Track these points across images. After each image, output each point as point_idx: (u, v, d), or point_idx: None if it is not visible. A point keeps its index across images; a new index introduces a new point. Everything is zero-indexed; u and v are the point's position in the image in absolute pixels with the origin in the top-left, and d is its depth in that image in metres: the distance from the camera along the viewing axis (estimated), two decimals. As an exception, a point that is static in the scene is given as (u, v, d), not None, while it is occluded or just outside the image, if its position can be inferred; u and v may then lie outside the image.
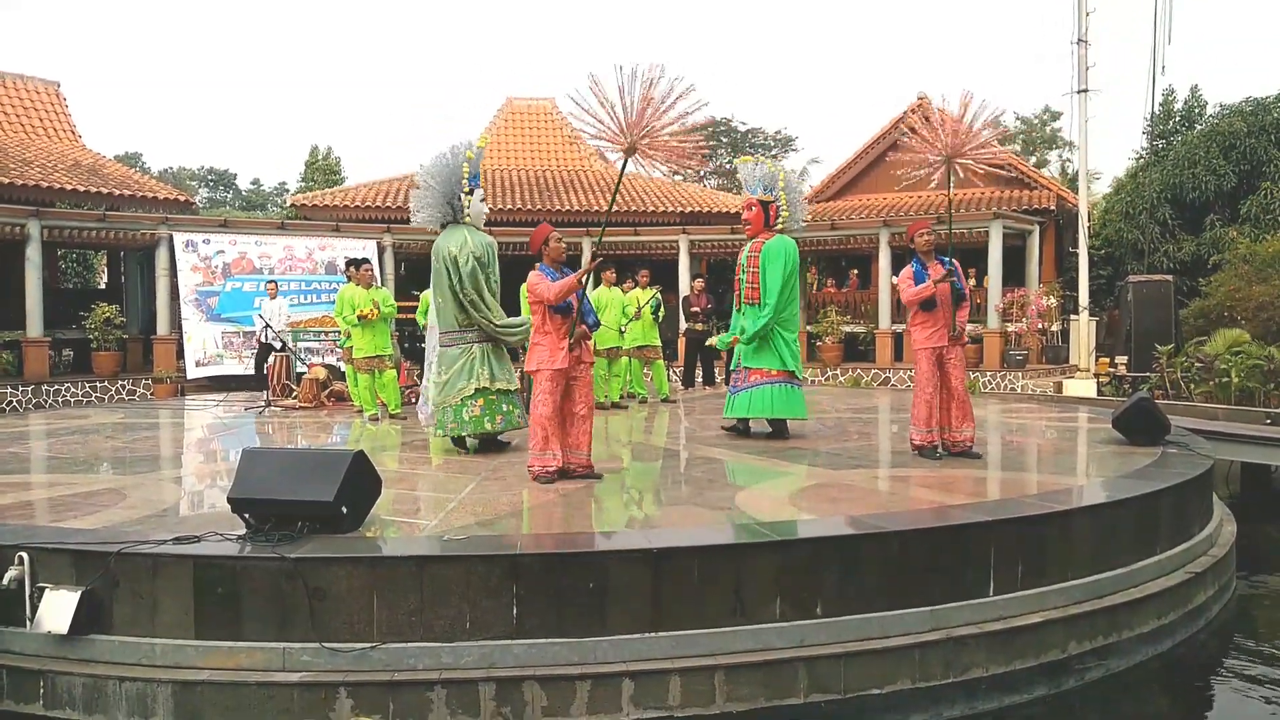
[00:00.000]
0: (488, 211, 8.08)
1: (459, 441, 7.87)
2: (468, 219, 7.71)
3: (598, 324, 6.39)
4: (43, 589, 4.36)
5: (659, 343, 12.22)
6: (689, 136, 6.38)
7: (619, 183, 7.32)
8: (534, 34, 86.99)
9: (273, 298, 14.04)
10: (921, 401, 7.19)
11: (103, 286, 22.11)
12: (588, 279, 6.26)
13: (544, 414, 6.22)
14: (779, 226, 8.27)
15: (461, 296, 7.40)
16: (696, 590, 4.41)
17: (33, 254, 14.52)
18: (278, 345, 12.99)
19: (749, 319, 8.16)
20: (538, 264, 6.40)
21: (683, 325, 15.20)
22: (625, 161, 6.46)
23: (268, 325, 12.70)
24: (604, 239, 6.09)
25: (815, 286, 21.06)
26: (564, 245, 6.47)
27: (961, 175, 7.30)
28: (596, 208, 20.28)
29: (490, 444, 7.88)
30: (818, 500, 5.80)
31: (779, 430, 8.52)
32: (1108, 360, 16.68)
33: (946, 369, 7.12)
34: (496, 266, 7.68)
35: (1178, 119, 23.44)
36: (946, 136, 7.23)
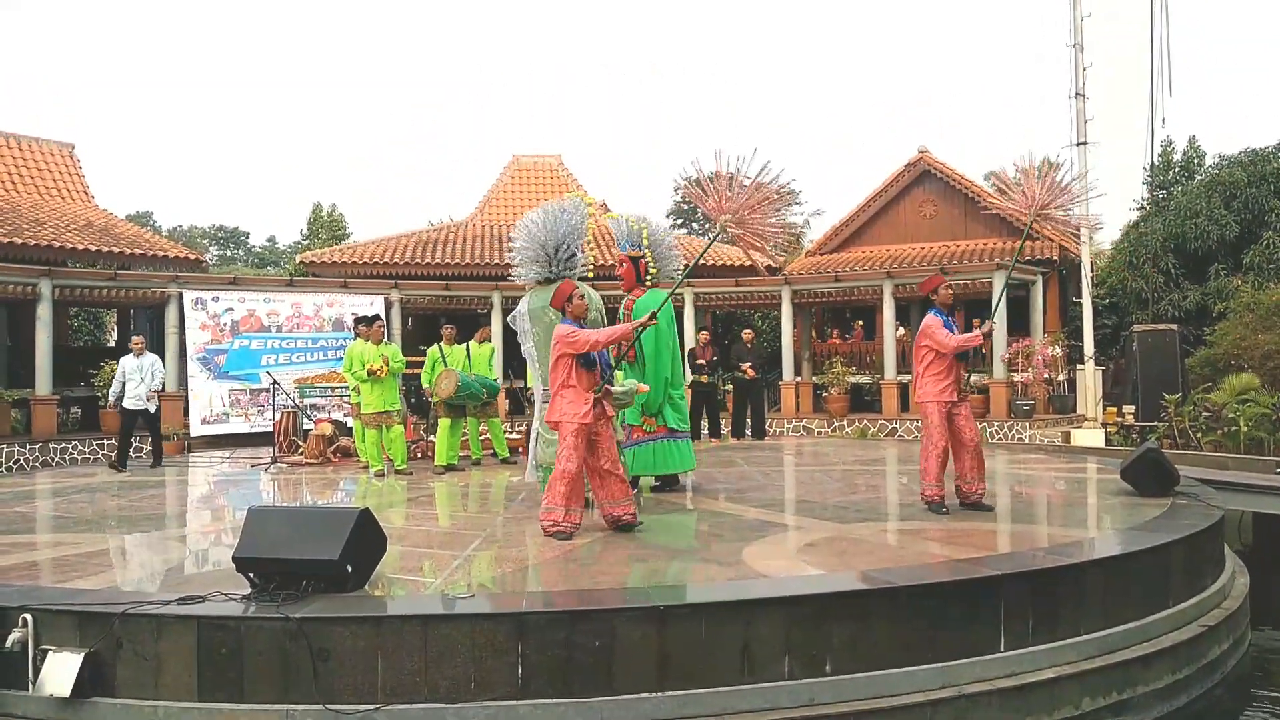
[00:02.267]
0: (577, 269, 8.05)
1: None
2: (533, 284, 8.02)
3: (612, 380, 6.40)
4: (46, 651, 4.34)
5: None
6: (777, 228, 7.13)
7: (704, 250, 7.88)
8: (536, 84, 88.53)
9: (139, 355, 11.71)
10: (932, 455, 7.09)
11: (112, 344, 22.25)
12: (639, 333, 6.37)
13: (569, 469, 6.14)
14: (649, 281, 8.38)
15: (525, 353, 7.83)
16: (703, 648, 4.36)
17: (43, 313, 14.65)
18: (289, 403, 13.03)
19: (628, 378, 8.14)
20: (561, 317, 6.42)
21: (688, 377, 15.20)
22: (715, 235, 7.13)
23: (276, 383, 12.74)
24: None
25: (818, 337, 21.12)
26: (586, 303, 6.49)
27: (1035, 235, 7.72)
28: (601, 261, 20.34)
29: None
30: (826, 554, 5.76)
31: (669, 484, 8.48)
32: (1115, 410, 16.63)
33: (957, 423, 7.07)
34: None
35: (1177, 169, 23.68)
36: (1034, 192, 7.32)
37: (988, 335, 7.24)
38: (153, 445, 12.60)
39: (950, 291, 7.27)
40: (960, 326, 7.27)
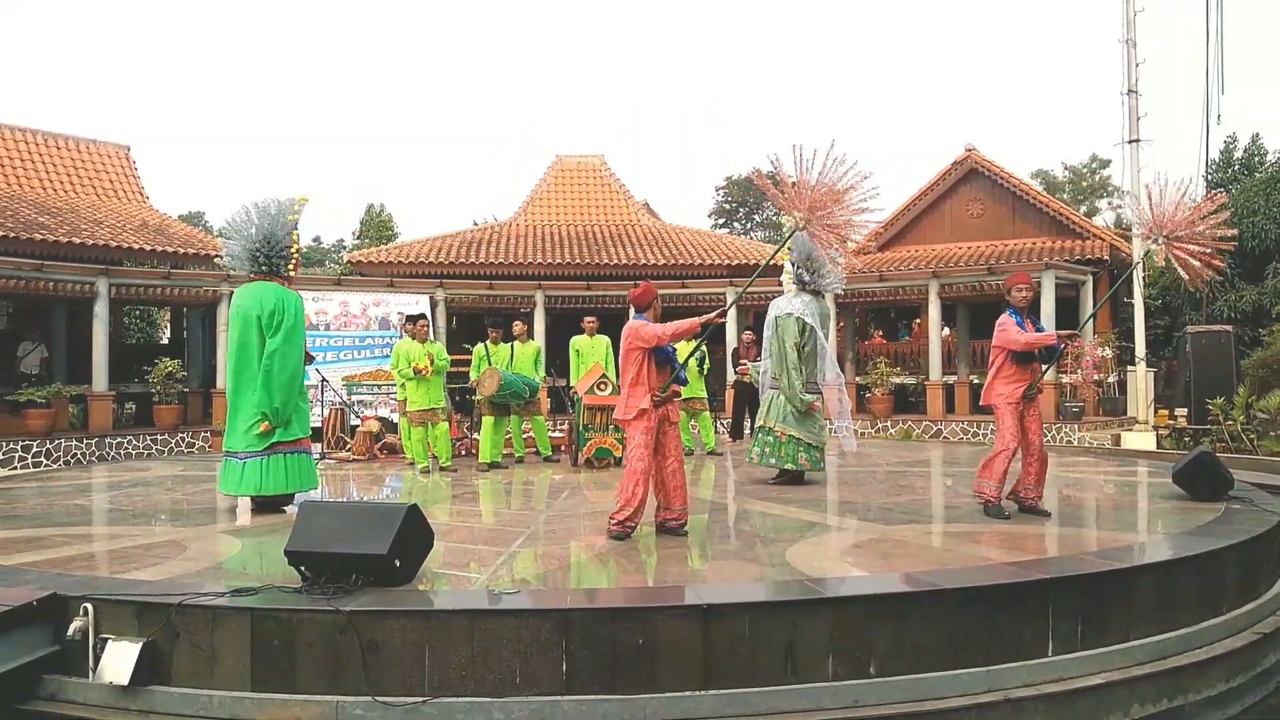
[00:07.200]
0: (795, 282, 9.29)
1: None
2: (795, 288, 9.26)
3: (684, 381, 6.51)
4: (105, 640, 4.47)
5: (705, 394, 12.23)
6: (854, 221, 6.79)
7: (779, 248, 7.87)
8: (579, 84, 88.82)
9: None
10: (1001, 456, 6.91)
11: (165, 341, 22.74)
12: (706, 329, 6.30)
13: (638, 469, 6.15)
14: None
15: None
16: (747, 648, 4.37)
17: (100, 311, 15.04)
18: (337, 400, 13.23)
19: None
20: (638, 314, 6.43)
21: (730, 377, 15.19)
22: (792, 232, 6.96)
23: (324, 380, 12.93)
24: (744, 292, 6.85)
25: (861, 337, 20.95)
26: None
27: (1160, 262, 7.41)
28: (644, 261, 20.48)
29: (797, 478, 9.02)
30: (870, 556, 5.73)
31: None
32: (1167, 412, 16.32)
33: (1025, 423, 6.92)
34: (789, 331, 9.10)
35: (1237, 167, 23.13)
36: (1166, 216, 7.05)
37: (1068, 339, 6.97)
38: None
39: (1026, 295, 6.98)
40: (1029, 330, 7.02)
